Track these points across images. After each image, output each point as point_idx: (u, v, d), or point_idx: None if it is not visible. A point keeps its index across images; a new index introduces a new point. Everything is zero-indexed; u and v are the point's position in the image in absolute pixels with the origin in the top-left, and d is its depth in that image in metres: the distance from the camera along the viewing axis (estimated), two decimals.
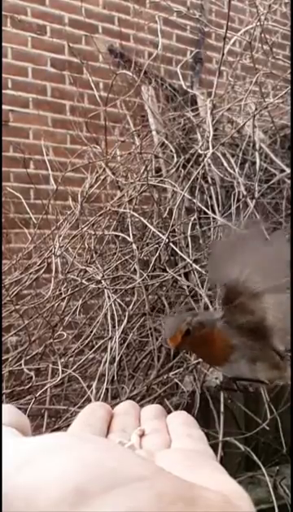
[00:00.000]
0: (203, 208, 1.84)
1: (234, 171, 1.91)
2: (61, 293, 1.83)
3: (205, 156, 1.85)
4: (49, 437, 0.28)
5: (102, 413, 0.42)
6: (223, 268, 0.63)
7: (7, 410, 0.33)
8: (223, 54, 1.82)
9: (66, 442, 0.28)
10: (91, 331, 1.76)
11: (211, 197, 1.95)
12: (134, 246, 1.77)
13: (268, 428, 1.50)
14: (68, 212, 2.15)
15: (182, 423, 0.41)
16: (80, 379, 1.51)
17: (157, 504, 0.24)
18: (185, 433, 0.39)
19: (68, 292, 1.81)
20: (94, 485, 0.24)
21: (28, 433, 0.32)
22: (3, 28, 2.71)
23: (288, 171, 1.88)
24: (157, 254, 1.76)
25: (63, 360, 1.65)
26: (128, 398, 1.51)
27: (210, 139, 1.85)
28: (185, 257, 1.67)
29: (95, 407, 0.43)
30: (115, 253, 1.91)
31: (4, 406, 0.33)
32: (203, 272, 1.58)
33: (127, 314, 1.63)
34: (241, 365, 0.60)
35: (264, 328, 0.62)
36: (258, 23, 1.97)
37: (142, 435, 0.40)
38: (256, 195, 1.83)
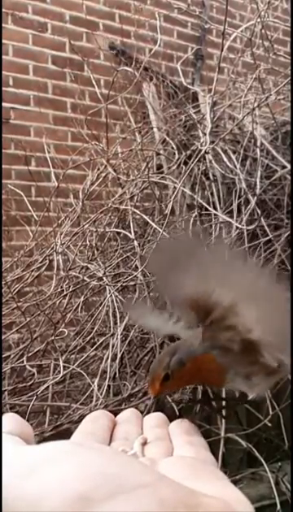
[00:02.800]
0: (205, 205, 1.84)
1: (236, 167, 1.91)
2: (63, 290, 1.83)
3: (205, 151, 1.85)
4: (52, 445, 0.28)
5: (104, 421, 0.42)
6: (177, 281, 0.54)
7: (11, 418, 0.33)
8: (222, 50, 1.82)
9: (69, 450, 0.28)
10: (93, 328, 1.76)
11: (212, 194, 1.95)
12: (136, 243, 1.77)
13: (269, 424, 1.50)
14: (70, 209, 2.15)
15: (184, 431, 0.42)
16: (84, 374, 1.51)
17: (160, 510, 0.24)
18: (187, 441, 0.40)
19: (70, 290, 1.81)
20: (97, 492, 0.24)
21: (32, 441, 0.32)
22: (4, 25, 2.71)
23: (290, 167, 1.88)
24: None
25: (64, 357, 1.65)
26: (129, 395, 1.51)
27: (208, 131, 1.84)
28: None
29: (98, 415, 0.43)
30: (116, 250, 1.91)
31: (7, 415, 0.33)
32: None
33: None
34: (237, 384, 0.55)
35: (250, 344, 0.55)
36: (258, 20, 1.97)
37: (144, 443, 0.41)
38: (258, 191, 1.83)
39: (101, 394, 1.43)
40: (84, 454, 0.27)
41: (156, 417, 0.46)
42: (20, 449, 0.29)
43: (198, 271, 0.53)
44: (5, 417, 0.33)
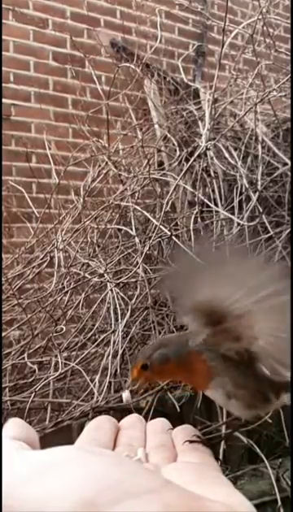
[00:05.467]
0: (206, 201, 1.84)
1: (237, 164, 1.90)
2: (64, 287, 1.83)
3: (205, 147, 1.84)
4: (57, 450, 0.28)
5: (108, 427, 0.42)
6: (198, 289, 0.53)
7: (15, 423, 0.33)
8: (223, 47, 1.82)
9: (74, 455, 0.28)
10: (94, 325, 1.77)
11: (213, 191, 1.95)
12: (137, 240, 1.77)
13: (270, 421, 1.50)
14: (71, 206, 2.15)
15: (187, 437, 0.43)
16: (83, 372, 1.51)
17: None
18: (191, 446, 0.40)
19: (71, 286, 1.81)
20: (102, 498, 0.24)
21: (37, 446, 0.32)
22: (5, 21, 2.70)
23: (291, 164, 1.88)
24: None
25: (65, 354, 1.65)
26: (131, 392, 1.51)
27: (206, 127, 1.84)
28: (187, 250, 1.67)
29: (102, 421, 0.43)
30: (117, 247, 1.91)
31: (12, 420, 0.34)
32: None
33: (129, 307, 1.63)
34: (217, 396, 0.55)
35: (249, 355, 0.54)
36: (260, 17, 1.96)
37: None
38: (259, 188, 1.83)
39: (102, 391, 1.43)
40: (89, 460, 0.27)
41: (160, 423, 0.46)
42: (26, 453, 0.29)
43: (214, 277, 0.52)
44: (10, 422, 0.33)
